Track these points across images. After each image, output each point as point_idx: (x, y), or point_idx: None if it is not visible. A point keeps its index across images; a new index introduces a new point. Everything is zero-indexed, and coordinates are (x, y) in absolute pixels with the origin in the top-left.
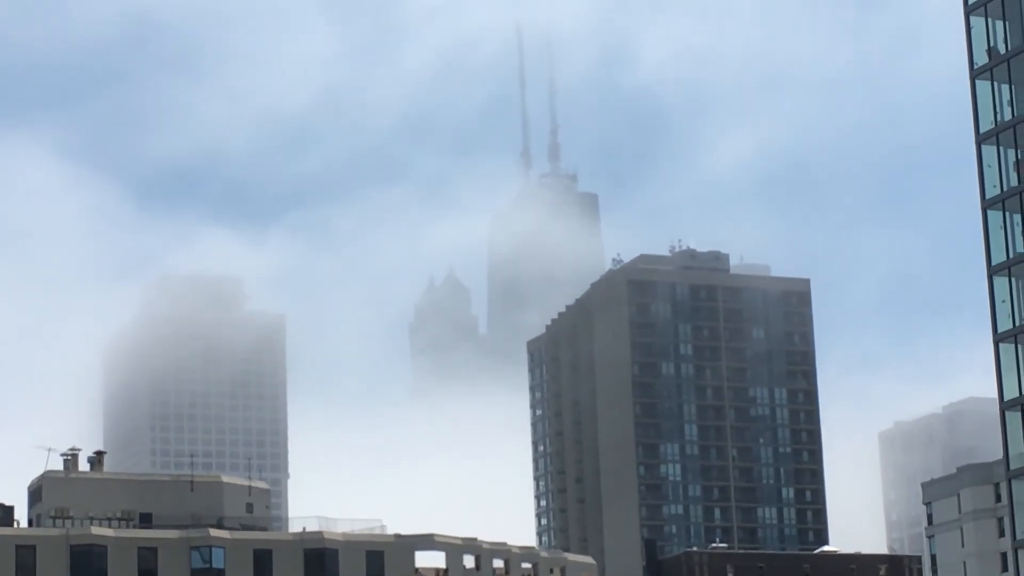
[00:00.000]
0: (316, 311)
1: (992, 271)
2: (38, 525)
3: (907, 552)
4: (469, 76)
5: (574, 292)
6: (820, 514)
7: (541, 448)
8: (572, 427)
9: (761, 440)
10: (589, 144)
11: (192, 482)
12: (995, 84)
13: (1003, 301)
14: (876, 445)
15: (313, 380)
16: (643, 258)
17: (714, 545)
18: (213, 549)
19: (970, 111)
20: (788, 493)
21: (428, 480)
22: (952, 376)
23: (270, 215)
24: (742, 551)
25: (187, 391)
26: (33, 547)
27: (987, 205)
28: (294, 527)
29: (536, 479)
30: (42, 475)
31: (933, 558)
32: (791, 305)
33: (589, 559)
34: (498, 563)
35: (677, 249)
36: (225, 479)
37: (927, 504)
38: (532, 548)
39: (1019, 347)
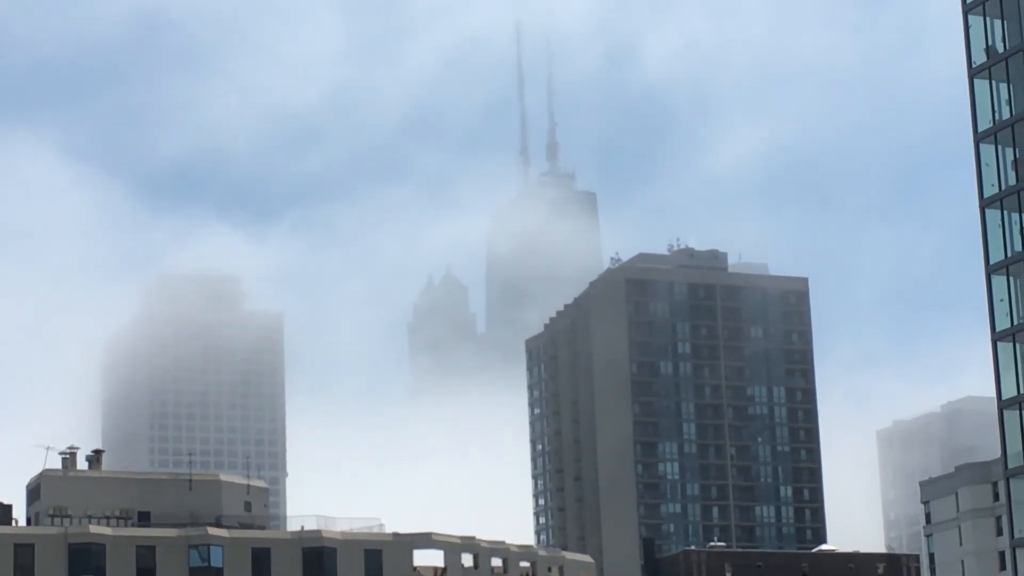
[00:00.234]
0: (315, 310)
1: (990, 270)
2: (36, 523)
3: (905, 551)
4: (470, 75)
5: (572, 291)
6: (818, 513)
7: (539, 447)
8: (570, 426)
9: (759, 439)
10: (588, 143)
11: (190, 481)
12: (993, 83)
13: (1001, 300)
14: (874, 444)
15: (312, 379)
16: (641, 257)
17: (712, 544)
18: (211, 548)
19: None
20: (786, 492)
21: (426, 479)
22: (951, 375)
23: (273, 213)
24: (740, 550)
25: (186, 390)
26: (31, 545)
27: (985, 204)
28: (292, 526)
29: (534, 478)
30: (40, 473)
31: (931, 557)
32: (790, 304)
33: (587, 558)
34: (496, 562)
35: (675, 248)
36: (223, 478)
37: (925, 503)
38: (530, 547)
39: (1017, 346)
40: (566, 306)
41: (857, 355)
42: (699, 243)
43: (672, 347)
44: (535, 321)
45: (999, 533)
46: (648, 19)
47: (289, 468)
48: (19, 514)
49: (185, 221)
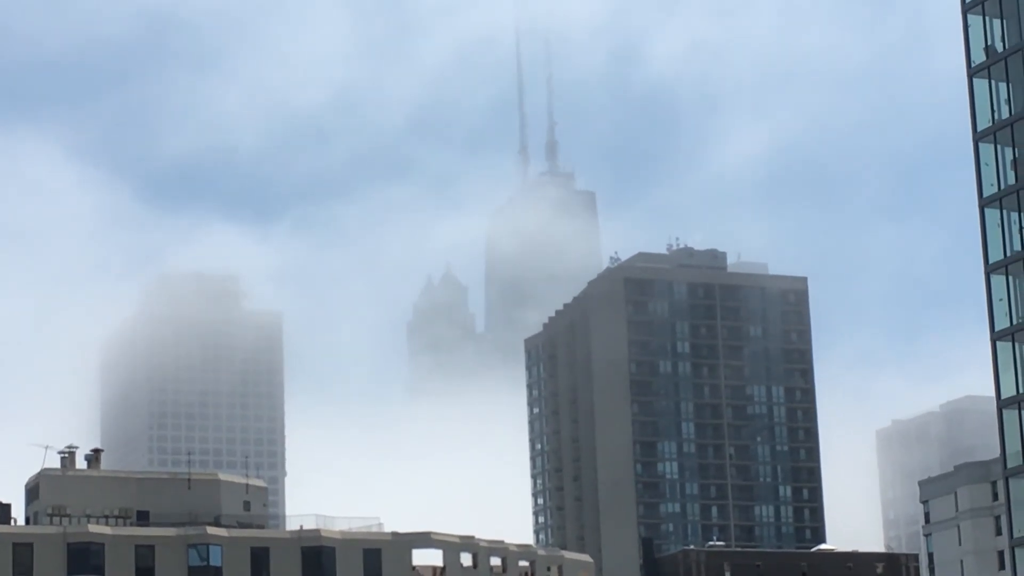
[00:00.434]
0: (315, 309)
1: (989, 269)
2: (35, 523)
3: (904, 550)
4: (472, 75)
5: (572, 290)
6: (817, 512)
7: (539, 446)
8: (569, 425)
9: (759, 438)
10: (589, 142)
11: (189, 480)
12: (992, 82)
13: (1000, 299)
14: (874, 443)
15: (311, 378)
16: (641, 256)
17: (711, 543)
18: (210, 547)
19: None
20: (785, 491)
21: (425, 478)
22: (950, 375)
23: (275, 213)
24: (739, 549)
25: (185, 389)
26: (30, 545)
27: (984, 203)
28: (291, 525)
29: (533, 477)
30: (39, 473)
31: (930, 556)
32: (789, 303)
33: (586, 557)
34: (495, 561)
35: (675, 247)
36: (222, 477)
37: (924, 502)
38: (529, 546)
39: (1016, 345)
40: (565, 306)
41: (856, 354)
42: (700, 243)
43: (671, 347)
44: (534, 321)
45: (998, 533)
46: (652, 18)
47: (288, 467)
48: (18, 513)
49: (188, 220)
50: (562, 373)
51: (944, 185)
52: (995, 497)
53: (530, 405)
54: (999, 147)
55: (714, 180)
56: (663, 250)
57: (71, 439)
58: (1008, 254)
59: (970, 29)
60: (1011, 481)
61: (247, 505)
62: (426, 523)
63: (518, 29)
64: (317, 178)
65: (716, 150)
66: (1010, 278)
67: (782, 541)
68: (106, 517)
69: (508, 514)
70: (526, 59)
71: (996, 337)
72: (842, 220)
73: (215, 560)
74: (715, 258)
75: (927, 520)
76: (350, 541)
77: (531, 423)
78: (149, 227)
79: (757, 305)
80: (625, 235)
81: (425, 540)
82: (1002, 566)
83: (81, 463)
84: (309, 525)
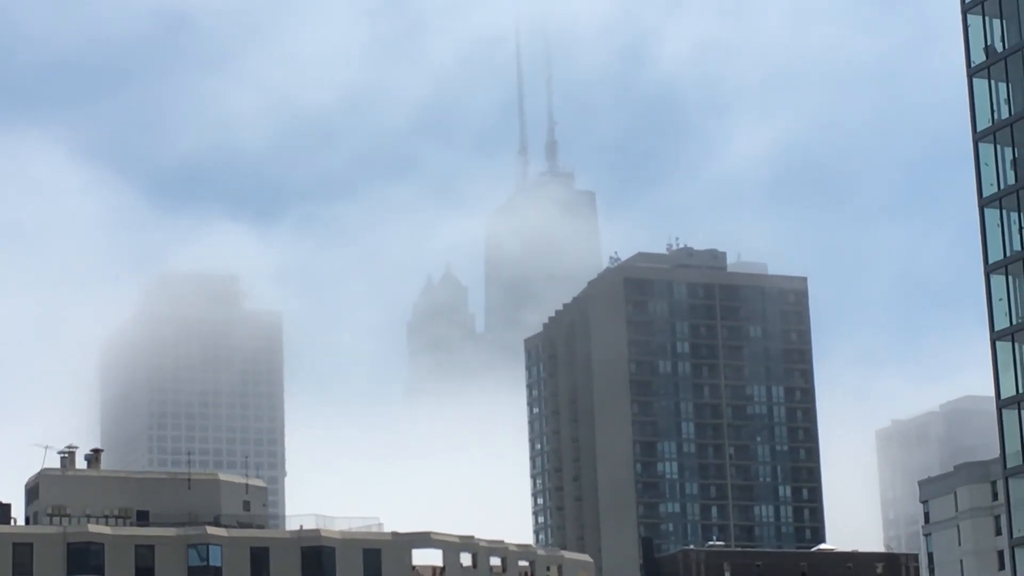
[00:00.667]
0: (314, 309)
1: (989, 269)
2: (35, 523)
3: (904, 550)
4: (474, 75)
5: (572, 290)
6: (817, 512)
7: (538, 446)
8: (569, 425)
9: (758, 438)
10: (590, 141)
11: (189, 480)
12: (992, 82)
13: (1000, 299)
14: (874, 443)
15: (311, 378)
16: (640, 256)
17: (711, 543)
18: (210, 547)
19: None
20: (785, 491)
21: (425, 478)
22: (950, 374)
23: (278, 212)
24: (739, 549)
25: (185, 389)
26: (30, 545)
27: (984, 203)
28: (291, 525)
29: (533, 477)
30: (39, 472)
31: (930, 556)
32: (788, 303)
33: (586, 557)
34: (495, 561)
35: (674, 247)
36: (222, 477)
37: (924, 502)
38: (529, 546)
39: (1016, 345)
40: (565, 305)
41: (856, 354)
42: (700, 243)
43: (671, 346)
44: (534, 320)
45: (998, 532)
46: (658, 18)
47: (288, 467)
48: (18, 513)
49: (192, 220)
50: (562, 373)
51: (945, 185)
52: (995, 497)
53: (530, 405)
54: (999, 147)
55: (714, 180)
56: (663, 250)
57: (71, 439)
58: (1008, 254)
59: (970, 29)
60: (1011, 481)
61: (247, 505)
62: (426, 523)
63: (518, 29)
64: (320, 178)
65: (717, 150)
66: (1010, 278)
67: (782, 541)
68: (106, 517)
69: (508, 514)
70: (529, 59)
71: (996, 337)
72: (843, 220)
73: (215, 560)
74: (715, 258)
75: (927, 520)
76: (350, 541)
77: (531, 423)
78: (152, 227)
79: (757, 305)
80: (625, 235)
81: (425, 540)
82: (1002, 566)
83: (81, 463)
84: (309, 525)
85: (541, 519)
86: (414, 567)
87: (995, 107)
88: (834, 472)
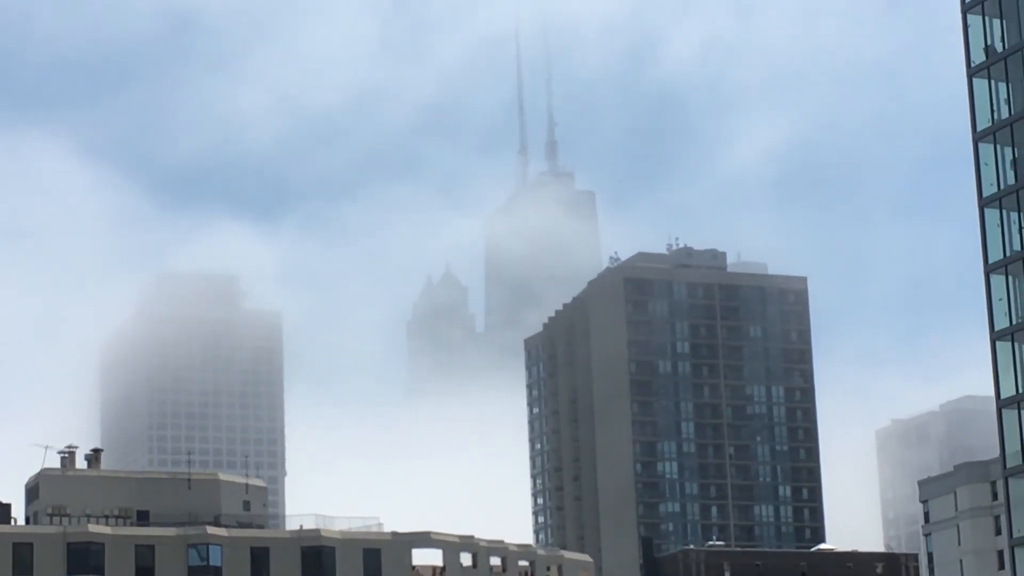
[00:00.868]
0: (315, 309)
1: (989, 269)
2: (35, 523)
3: (904, 550)
4: (476, 75)
5: (572, 290)
6: (817, 512)
7: (538, 446)
8: (569, 425)
9: (758, 438)
10: (590, 141)
11: (189, 480)
12: (992, 82)
13: (1000, 299)
14: (873, 443)
15: (311, 378)
16: (640, 256)
17: (711, 543)
18: (210, 547)
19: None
20: (785, 491)
21: (425, 478)
22: (950, 374)
23: (281, 212)
24: (739, 549)
25: (184, 389)
26: (30, 544)
27: (984, 203)
28: (291, 525)
29: (533, 477)
30: (39, 472)
31: (930, 556)
32: (788, 303)
33: (586, 557)
34: (495, 561)
35: (674, 247)
36: (222, 477)
37: (924, 502)
38: (529, 546)
39: (1016, 345)
40: (565, 305)
41: (856, 354)
42: (700, 243)
43: (671, 346)
44: (534, 320)
45: (998, 532)
46: (663, 18)
47: (288, 467)
48: (18, 513)
49: (195, 219)
50: (562, 373)
51: (947, 185)
52: (995, 497)
53: (530, 405)
54: (999, 147)
55: (715, 180)
56: (663, 250)
57: (71, 439)
58: (1008, 254)
59: (970, 29)
60: (1010, 481)
61: (247, 505)
62: (426, 523)
63: (518, 31)
64: (324, 177)
65: (718, 150)
66: (1010, 278)
67: (782, 541)
68: (106, 517)
69: (508, 514)
70: (530, 59)
71: (996, 337)
72: (844, 219)
73: (215, 560)
74: (715, 258)
75: (927, 520)
76: (350, 541)
77: (531, 423)
78: (155, 227)
79: (757, 305)
80: (625, 235)
81: (425, 540)
82: (1001, 566)
83: (81, 463)
84: (309, 525)
85: (541, 519)
86: (414, 567)
87: (995, 107)
88: (834, 472)
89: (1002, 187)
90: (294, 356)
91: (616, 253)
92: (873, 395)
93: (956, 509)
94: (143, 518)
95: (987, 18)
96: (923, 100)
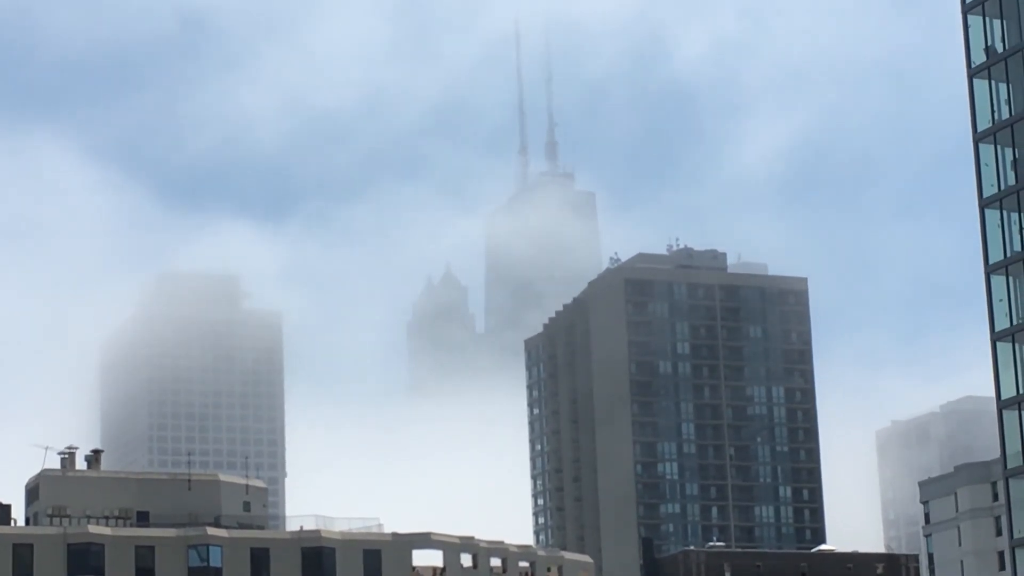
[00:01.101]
0: (315, 309)
1: (989, 270)
2: (35, 523)
3: (904, 551)
4: (477, 75)
5: (572, 291)
6: (817, 513)
7: (538, 446)
8: (569, 425)
9: (759, 439)
10: (590, 141)
11: (189, 481)
12: (992, 83)
13: (1000, 300)
14: (874, 444)
15: (311, 378)
16: (641, 257)
17: (711, 544)
18: (210, 548)
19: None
20: (785, 492)
21: (426, 479)
22: (950, 375)
23: (285, 212)
24: (739, 550)
25: (184, 389)
26: (30, 545)
27: (984, 204)
28: (291, 526)
29: (533, 477)
30: (39, 473)
31: (930, 557)
32: (788, 304)
33: (586, 558)
34: (495, 562)
35: (675, 248)
36: (222, 478)
37: (924, 503)
38: (529, 547)
39: (1016, 346)
40: (565, 306)
41: (857, 355)
42: (700, 243)
43: (671, 347)
44: (534, 321)
45: (998, 533)
46: (669, 19)
47: (288, 468)
48: (18, 514)
49: (200, 220)
50: (562, 374)
51: (949, 185)
52: (995, 498)
53: (530, 406)
54: (999, 148)
55: (718, 181)
56: (663, 251)
57: (71, 440)
58: (1008, 255)
59: (970, 30)
60: (1011, 482)
61: (247, 506)
62: (426, 524)
63: (518, 32)
64: (328, 177)
65: (720, 150)
66: (1010, 279)
67: (782, 542)
68: (106, 518)
69: (508, 515)
70: (532, 60)
71: (996, 338)
72: (845, 220)
73: (215, 561)
74: (715, 259)
75: (927, 520)
76: (350, 542)
77: (531, 423)
78: (161, 227)
79: (757, 306)
80: (626, 236)
81: (425, 541)
82: (1002, 567)
83: (81, 464)
84: (309, 526)
85: (541, 520)
86: (414, 568)
87: (995, 108)
88: (834, 473)
89: (1002, 188)
90: (294, 356)
91: (616, 254)
92: (873, 396)
93: (957, 510)
94: (143, 519)
95: (987, 18)
96: (930, 100)
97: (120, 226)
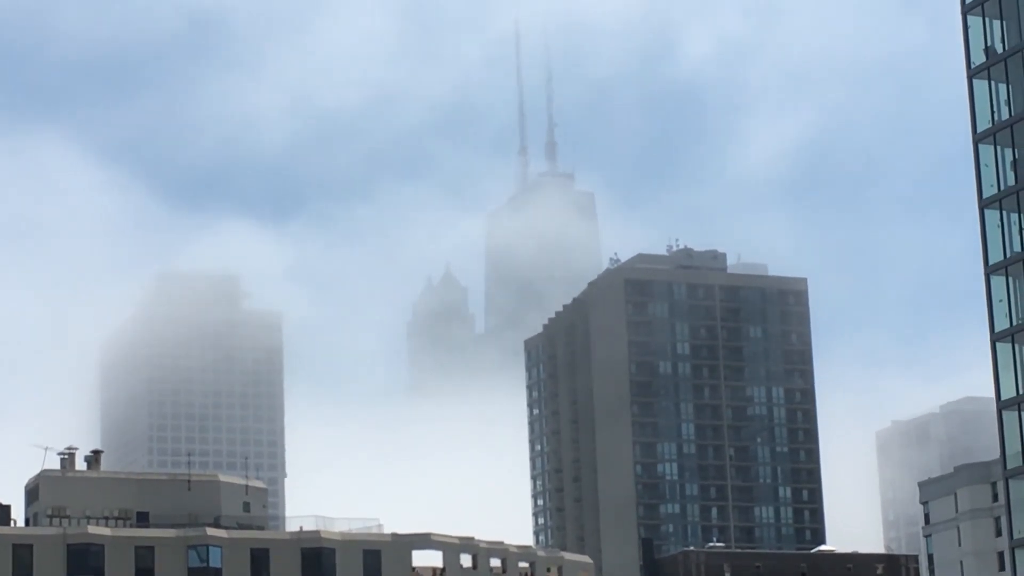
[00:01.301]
0: (315, 309)
1: (989, 270)
2: (35, 524)
3: (904, 551)
4: (482, 74)
5: (572, 291)
6: (817, 513)
7: (538, 447)
8: (569, 426)
9: (758, 439)
10: (592, 142)
11: (189, 481)
12: (992, 83)
13: (1000, 300)
14: (873, 444)
15: (311, 379)
16: (640, 257)
17: (711, 544)
18: (210, 548)
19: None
20: (785, 492)
21: (425, 479)
22: (950, 375)
23: (289, 212)
24: (739, 550)
25: (185, 390)
26: (30, 546)
27: (984, 204)
28: (291, 526)
29: (533, 478)
30: (39, 474)
31: (930, 557)
32: (788, 304)
33: (586, 558)
34: (495, 562)
35: (674, 248)
36: (222, 478)
37: (924, 503)
38: (529, 547)
39: (1016, 346)
40: (565, 306)
41: (857, 355)
42: (700, 243)
43: (671, 348)
44: (534, 321)
45: (998, 534)
46: (675, 19)
47: (288, 468)
48: (18, 514)
49: (204, 220)
50: (562, 374)
51: (951, 185)
52: (995, 498)
53: (530, 406)
54: (999, 148)
55: (720, 181)
56: (663, 251)
57: (71, 440)
58: (1008, 255)
59: (970, 30)
60: (1011, 482)
61: (247, 506)
62: (426, 524)
63: (518, 32)
64: (331, 178)
65: (727, 151)
66: (1010, 279)
67: (782, 542)
68: (106, 518)
69: (508, 515)
70: (531, 60)
71: (996, 338)
72: (846, 221)
73: (215, 561)
74: (715, 259)
75: (927, 521)
76: (350, 542)
77: (531, 424)
78: (165, 227)
79: (757, 306)
80: (625, 236)
81: (425, 541)
82: (1002, 567)
83: (81, 464)
84: (309, 526)
85: (541, 520)
86: (414, 568)
87: (995, 108)
88: (834, 473)
89: (1002, 188)
90: (294, 356)
91: (616, 254)
92: (873, 396)
93: (956, 510)
94: (143, 519)
95: (987, 19)
96: (934, 100)
97: (122, 226)
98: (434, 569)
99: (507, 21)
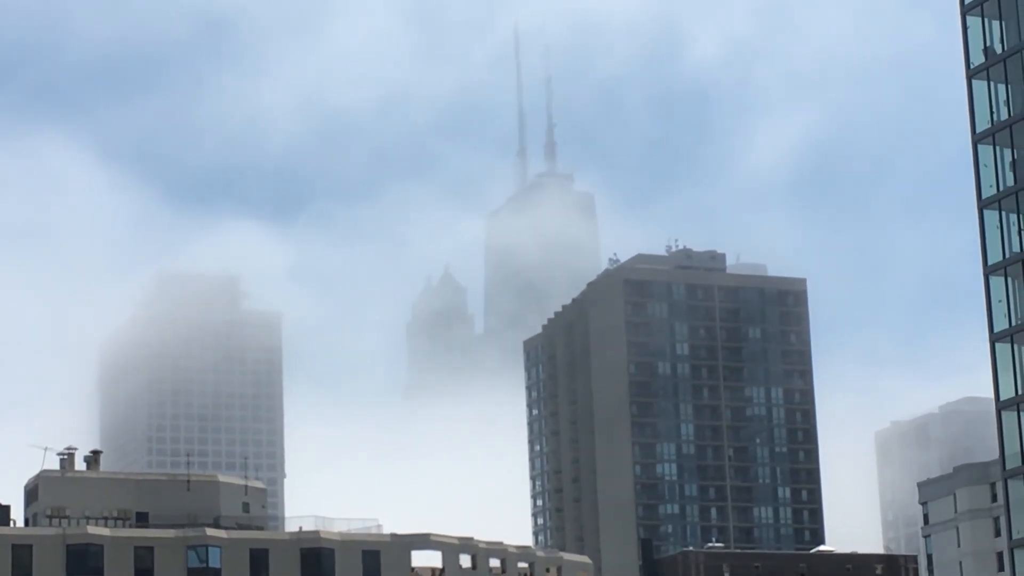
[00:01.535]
0: (315, 310)
1: (988, 271)
2: (34, 524)
3: (903, 552)
4: (471, 75)
5: (571, 291)
6: (816, 513)
7: (537, 447)
8: (568, 426)
9: (757, 440)
10: (592, 142)
11: (188, 481)
12: (992, 84)
13: (999, 301)
14: (873, 444)
15: (311, 379)
16: (640, 258)
17: (710, 545)
18: (209, 548)
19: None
20: (784, 493)
21: (425, 479)
22: (949, 376)
23: (292, 213)
24: (738, 551)
25: (184, 390)
26: (29, 546)
27: (983, 205)
28: (290, 526)
29: (532, 478)
30: (38, 474)
31: (929, 558)
32: (788, 305)
33: (585, 558)
34: (494, 562)
35: (673, 249)
36: (221, 478)
37: (923, 504)
38: (528, 547)
39: (1015, 347)
40: (564, 307)
41: (856, 355)
42: (701, 244)
43: (670, 348)
44: (534, 322)
45: (997, 534)
46: (683, 19)
47: (287, 469)
48: (17, 515)
49: (207, 220)
50: (561, 375)
51: (952, 185)
52: (994, 499)
53: (529, 406)
54: (998, 149)
55: (721, 182)
56: (662, 251)
57: (70, 440)
58: (1007, 256)
59: (969, 30)
60: (1010, 483)
61: (246, 507)
62: (425, 524)
63: (517, 32)
64: (334, 179)
65: (731, 151)
66: (1009, 280)
67: (781, 543)
68: (105, 519)
69: (507, 515)
70: (531, 60)
71: (995, 339)
72: (847, 221)
73: (214, 562)
74: (714, 259)
75: (926, 521)
76: (349, 542)
77: (530, 424)
78: (169, 227)
79: (756, 307)
80: (625, 236)
81: (424, 541)
82: (1001, 567)
83: (80, 464)
84: (308, 527)
85: (540, 520)
86: (413, 568)
87: (994, 109)
88: (833, 473)
89: (1001, 189)
90: (294, 357)
91: (616, 254)
92: (873, 396)
93: (955, 511)
94: (142, 520)
95: (986, 19)
96: (939, 101)
97: (125, 227)
98: (433, 569)
99: (510, 22)
